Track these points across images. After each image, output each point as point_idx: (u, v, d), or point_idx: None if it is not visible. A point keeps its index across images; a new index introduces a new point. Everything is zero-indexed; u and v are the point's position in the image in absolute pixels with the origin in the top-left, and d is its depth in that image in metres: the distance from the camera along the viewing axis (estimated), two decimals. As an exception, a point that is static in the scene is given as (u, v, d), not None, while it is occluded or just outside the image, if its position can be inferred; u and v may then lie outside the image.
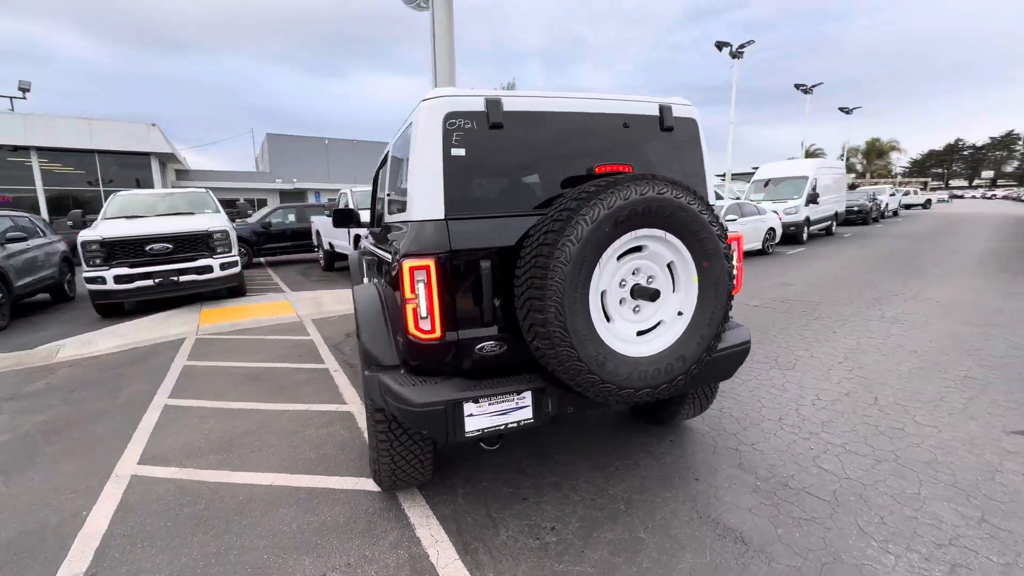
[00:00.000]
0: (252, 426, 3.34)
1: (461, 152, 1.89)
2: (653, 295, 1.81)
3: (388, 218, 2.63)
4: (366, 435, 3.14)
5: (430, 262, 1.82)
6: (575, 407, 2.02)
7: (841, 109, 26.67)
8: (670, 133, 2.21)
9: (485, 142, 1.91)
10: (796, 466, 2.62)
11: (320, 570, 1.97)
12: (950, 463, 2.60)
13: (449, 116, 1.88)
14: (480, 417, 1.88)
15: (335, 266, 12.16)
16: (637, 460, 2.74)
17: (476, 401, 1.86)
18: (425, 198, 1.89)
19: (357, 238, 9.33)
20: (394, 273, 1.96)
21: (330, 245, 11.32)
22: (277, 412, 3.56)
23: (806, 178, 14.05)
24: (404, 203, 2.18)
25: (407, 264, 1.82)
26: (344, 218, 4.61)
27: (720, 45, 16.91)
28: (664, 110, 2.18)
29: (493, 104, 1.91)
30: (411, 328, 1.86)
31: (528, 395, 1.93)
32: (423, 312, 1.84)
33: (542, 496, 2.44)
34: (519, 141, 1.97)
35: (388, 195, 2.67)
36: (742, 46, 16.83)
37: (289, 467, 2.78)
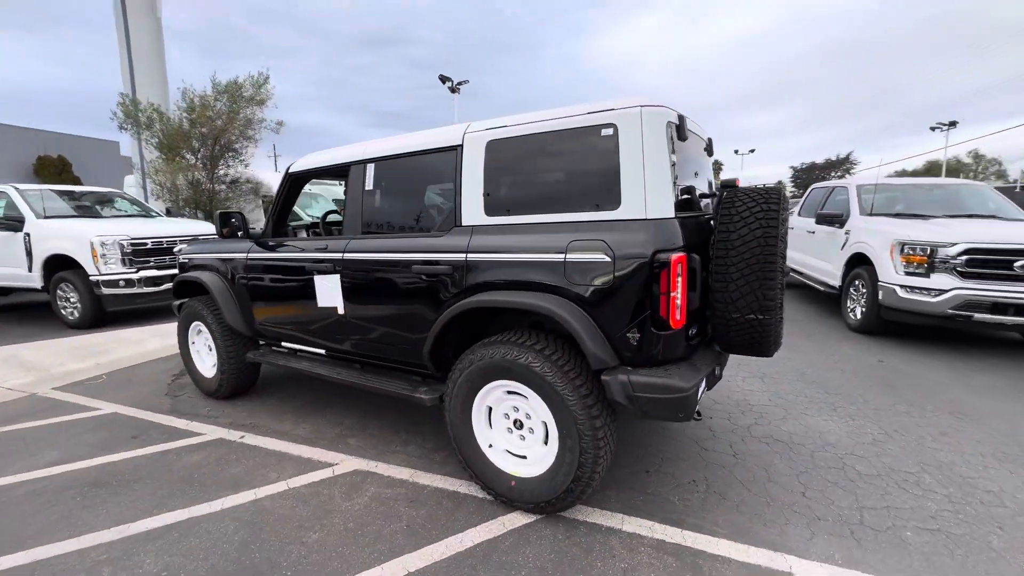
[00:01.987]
0: (243, 536, 2.21)
1: (675, 158, 2.10)
2: (786, 272, 2.50)
3: (500, 219, 2.36)
4: (415, 478, 2.60)
5: (684, 255, 1.97)
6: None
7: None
8: (710, 156, 2.95)
9: (679, 151, 2.17)
10: (766, 397, 3.81)
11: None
12: (823, 375, 4.32)
13: (668, 125, 2.06)
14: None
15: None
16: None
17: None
18: (658, 198, 2.00)
19: (50, 262, 6.23)
20: (635, 272, 1.97)
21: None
22: (253, 508, 2.43)
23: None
24: (586, 200, 2.14)
25: (674, 257, 1.91)
26: (230, 225, 3.41)
27: (443, 79, 18.88)
28: (710, 140, 2.91)
29: (683, 118, 2.19)
30: (671, 320, 1.95)
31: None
32: (679, 302, 1.97)
33: (655, 465, 2.76)
34: (685, 152, 2.31)
35: (493, 192, 2.38)
36: (460, 83, 19.33)
37: (397, 548, 2.10)
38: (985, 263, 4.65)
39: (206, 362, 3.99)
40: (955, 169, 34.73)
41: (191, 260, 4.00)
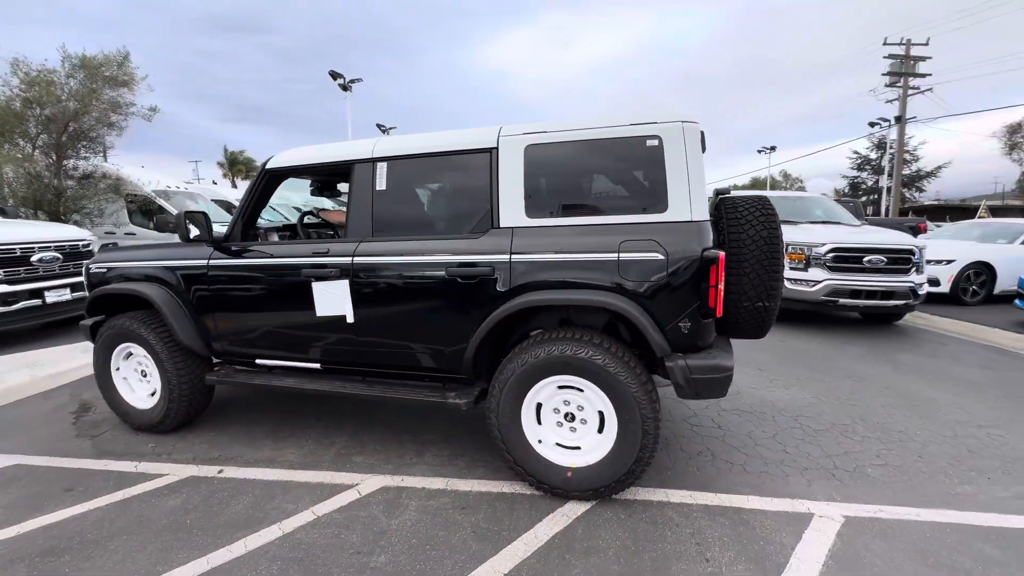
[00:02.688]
0: (296, 574, 1.96)
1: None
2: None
3: (543, 220, 2.43)
4: (452, 486, 2.55)
5: (723, 252, 2.27)
6: None
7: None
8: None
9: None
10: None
11: None
12: (750, 356, 4.99)
13: (701, 136, 2.35)
14: (723, 372, 2.46)
15: None
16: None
17: (725, 359, 2.44)
18: (699, 202, 2.27)
19: None
20: (691, 267, 2.21)
21: None
22: (287, 543, 2.16)
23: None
24: (634, 204, 2.33)
25: (721, 254, 2.19)
26: (191, 228, 2.96)
27: (334, 75, 17.62)
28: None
29: (703, 133, 2.50)
30: (717, 309, 2.23)
31: (719, 351, 2.65)
32: (723, 293, 2.26)
33: (662, 443, 3.05)
34: (698, 164, 2.63)
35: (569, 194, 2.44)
36: (352, 80, 18.25)
37: (477, 554, 2.05)
38: (845, 259, 5.92)
39: (138, 391, 3.34)
40: (773, 185, 42.56)
41: (113, 270, 3.33)
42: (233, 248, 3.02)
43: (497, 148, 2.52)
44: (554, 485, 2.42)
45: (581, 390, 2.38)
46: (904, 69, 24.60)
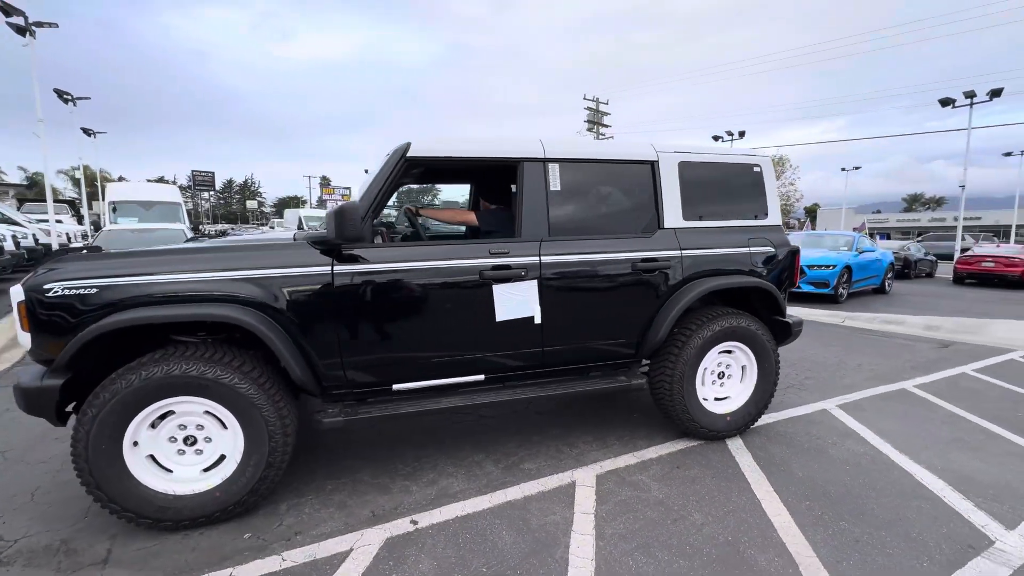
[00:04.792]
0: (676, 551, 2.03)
1: (768, 185, 3.46)
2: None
3: (695, 223, 3.02)
4: (642, 457, 2.91)
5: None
6: None
7: (84, 130, 24.14)
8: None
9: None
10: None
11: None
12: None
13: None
14: (775, 328, 3.63)
15: None
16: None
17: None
18: (779, 213, 3.32)
19: None
20: (788, 256, 3.21)
21: None
22: (614, 538, 2.13)
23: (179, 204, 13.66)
24: (749, 212, 3.20)
25: (799, 247, 3.29)
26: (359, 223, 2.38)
27: (7, 10, 11.54)
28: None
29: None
30: (795, 283, 3.32)
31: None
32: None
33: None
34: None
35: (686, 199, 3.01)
36: (38, 23, 12.34)
37: (742, 487, 2.53)
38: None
39: (181, 470, 2.25)
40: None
41: (112, 290, 2.13)
42: (367, 255, 2.44)
43: (658, 161, 2.99)
44: (719, 430, 3.07)
45: (730, 352, 3.11)
46: (596, 119, 33.13)
